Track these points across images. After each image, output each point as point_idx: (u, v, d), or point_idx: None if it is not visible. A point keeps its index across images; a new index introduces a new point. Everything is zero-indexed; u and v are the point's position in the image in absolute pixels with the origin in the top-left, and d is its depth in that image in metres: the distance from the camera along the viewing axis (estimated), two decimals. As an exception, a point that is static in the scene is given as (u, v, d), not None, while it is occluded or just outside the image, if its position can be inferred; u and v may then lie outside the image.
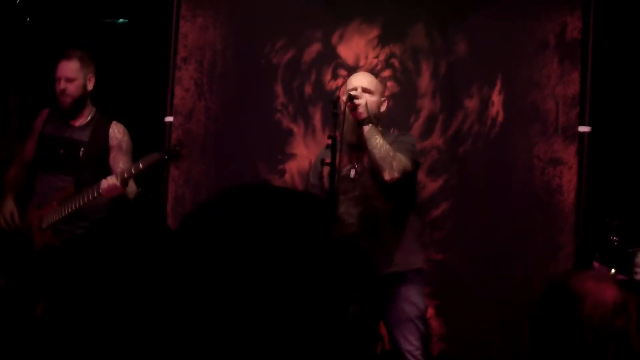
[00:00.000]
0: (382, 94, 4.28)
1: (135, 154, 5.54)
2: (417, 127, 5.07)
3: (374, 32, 5.18)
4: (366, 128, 3.96)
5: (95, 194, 4.39)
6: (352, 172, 4.05)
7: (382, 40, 5.17)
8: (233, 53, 5.29)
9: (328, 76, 5.16)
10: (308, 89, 5.19)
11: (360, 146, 4.00)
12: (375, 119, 4.10)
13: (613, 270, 4.77)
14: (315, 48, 5.23)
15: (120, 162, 4.65)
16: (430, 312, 4.87)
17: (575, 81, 4.95)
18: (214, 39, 5.31)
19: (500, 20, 5.07)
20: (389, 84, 5.12)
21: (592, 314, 1.92)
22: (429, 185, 5.00)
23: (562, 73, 4.98)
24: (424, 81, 5.10)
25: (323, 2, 5.23)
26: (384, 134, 4.10)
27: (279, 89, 5.23)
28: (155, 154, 4.40)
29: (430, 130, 5.06)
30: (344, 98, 4.10)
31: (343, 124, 4.02)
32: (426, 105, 5.09)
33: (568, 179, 4.91)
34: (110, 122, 4.74)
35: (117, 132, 4.72)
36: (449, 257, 5.00)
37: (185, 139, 5.23)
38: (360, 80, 4.20)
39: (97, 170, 4.52)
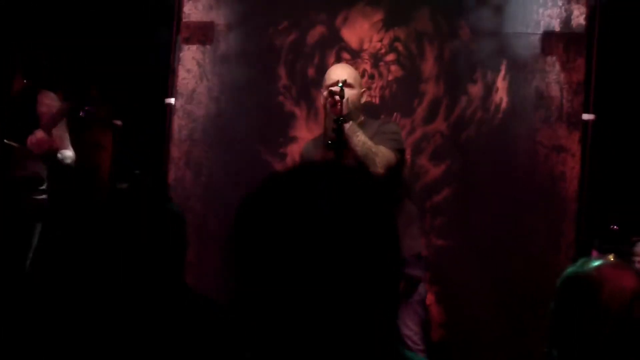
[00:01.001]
0: (361, 86, 4.32)
1: (137, 137, 5.56)
2: (420, 111, 5.08)
3: (378, 16, 5.19)
4: (347, 125, 3.98)
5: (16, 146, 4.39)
6: None
7: (386, 24, 5.18)
8: (236, 34, 5.30)
9: (332, 59, 5.17)
10: (311, 72, 5.20)
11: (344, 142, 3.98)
12: (357, 111, 4.12)
13: (611, 256, 4.77)
14: (319, 30, 5.23)
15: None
16: (431, 298, 4.89)
17: (580, 68, 4.96)
18: (217, 20, 5.30)
19: (505, 5, 5.06)
20: (393, 67, 5.13)
21: (609, 301, 1.90)
22: (431, 171, 5.02)
23: (567, 60, 4.99)
24: (428, 65, 5.11)
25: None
26: (366, 124, 4.14)
27: (281, 71, 5.24)
28: (67, 103, 4.42)
29: (434, 115, 5.08)
30: (324, 93, 4.11)
31: (325, 121, 4.04)
32: (430, 89, 5.10)
33: (571, 166, 4.93)
34: (39, 91, 4.71)
35: (44, 98, 4.68)
36: (449, 243, 5.02)
37: (187, 121, 5.24)
38: (340, 74, 4.19)
39: None
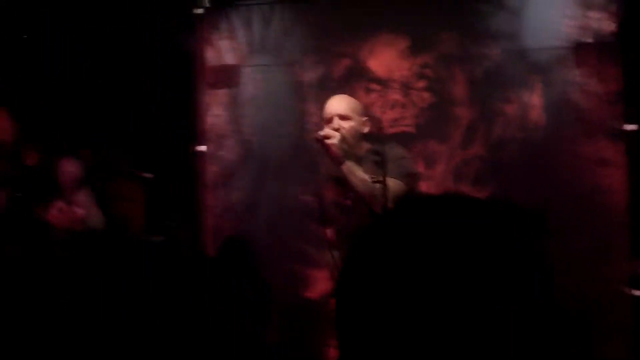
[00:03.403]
0: (361, 114, 4.14)
1: (167, 186, 5.57)
2: (457, 136, 5.08)
3: (404, 43, 5.22)
4: (344, 167, 3.88)
5: None
6: (347, 202, 3.95)
7: (413, 51, 5.22)
8: (261, 74, 5.33)
9: (360, 91, 5.19)
10: (341, 106, 5.18)
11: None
12: (358, 143, 4.02)
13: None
14: (344, 63, 5.25)
15: None
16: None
17: (615, 78, 4.94)
18: (240, 61, 5.34)
19: (534, 20, 5.06)
20: (424, 94, 5.12)
21: None
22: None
23: (602, 70, 4.97)
24: (460, 89, 5.11)
25: (350, 16, 5.25)
26: (371, 153, 4.01)
27: (311, 107, 5.24)
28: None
29: (472, 139, 5.08)
30: (319, 132, 4.00)
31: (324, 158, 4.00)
32: (464, 113, 5.10)
33: (617, 179, 4.88)
34: (58, 159, 4.65)
35: (66, 166, 4.60)
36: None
37: (219, 167, 5.26)
38: (335, 107, 4.08)
39: None
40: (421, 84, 5.18)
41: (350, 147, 3.93)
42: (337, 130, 3.94)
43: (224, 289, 1.93)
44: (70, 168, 4.48)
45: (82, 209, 4.26)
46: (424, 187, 5.02)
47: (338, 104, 4.11)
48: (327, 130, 3.93)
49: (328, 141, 3.88)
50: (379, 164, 3.85)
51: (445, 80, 5.17)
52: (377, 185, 3.79)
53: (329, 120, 4.04)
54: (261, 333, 1.89)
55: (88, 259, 4.77)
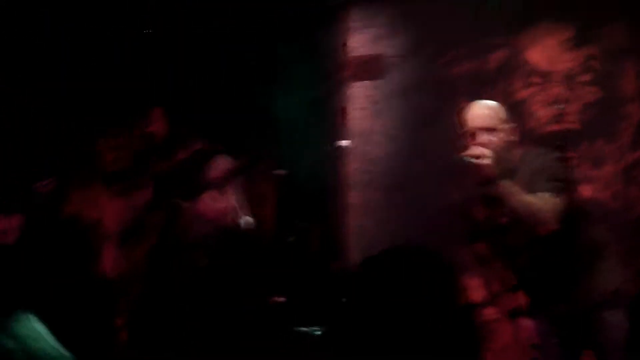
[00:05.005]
0: (505, 121, 3.57)
1: (310, 183, 5.30)
2: (627, 136, 4.68)
3: (568, 33, 4.82)
4: (500, 188, 3.36)
5: None
6: (502, 221, 3.51)
7: (578, 42, 4.83)
8: (409, 66, 5.07)
9: (519, 84, 4.85)
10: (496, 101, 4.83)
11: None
12: (509, 154, 3.55)
13: None
14: (500, 54, 4.92)
15: None
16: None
17: None
18: (386, 51, 5.06)
19: None
20: (590, 89, 4.72)
21: None
22: (648, 202, 4.56)
23: None
24: (630, 84, 4.70)
25: (507, 3, 4.89)
26: (524, 161, 3.53)
27: (461, 103, 4.91)
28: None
29: (643, 138, 4.66)
30: (466, 154, 3.54)
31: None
32: (635, 110, 4.67)
33: None
34: (214, 155, 4.56)
35: (221, 164, 4.51)
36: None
37: (363, 164, 4.98)
38: (479, 119, 3.53)
39: None
40: (586, 77, 4.80)
41: (503, 161, 3.52)
42: (484, 145, 3.53)
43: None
44: (223, 164, 4.32)
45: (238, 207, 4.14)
46: (590, 190, 4.64)
47: (481, 115, 3.59)
48: (476, 150, 3.49)
49: (478, 161, 3.46)
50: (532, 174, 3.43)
51: (614, 73, 4.76)
52: (553, 200, 3.38)
53: (472, 135, 3.61)
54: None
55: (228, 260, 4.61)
